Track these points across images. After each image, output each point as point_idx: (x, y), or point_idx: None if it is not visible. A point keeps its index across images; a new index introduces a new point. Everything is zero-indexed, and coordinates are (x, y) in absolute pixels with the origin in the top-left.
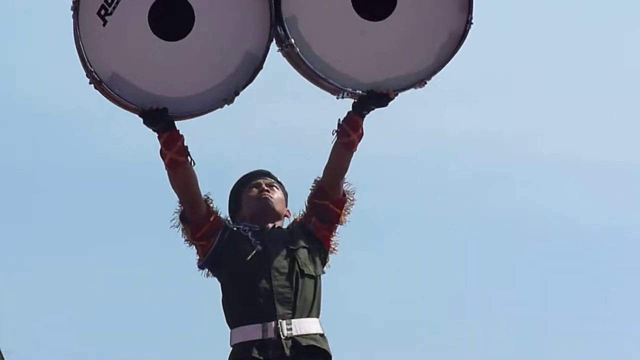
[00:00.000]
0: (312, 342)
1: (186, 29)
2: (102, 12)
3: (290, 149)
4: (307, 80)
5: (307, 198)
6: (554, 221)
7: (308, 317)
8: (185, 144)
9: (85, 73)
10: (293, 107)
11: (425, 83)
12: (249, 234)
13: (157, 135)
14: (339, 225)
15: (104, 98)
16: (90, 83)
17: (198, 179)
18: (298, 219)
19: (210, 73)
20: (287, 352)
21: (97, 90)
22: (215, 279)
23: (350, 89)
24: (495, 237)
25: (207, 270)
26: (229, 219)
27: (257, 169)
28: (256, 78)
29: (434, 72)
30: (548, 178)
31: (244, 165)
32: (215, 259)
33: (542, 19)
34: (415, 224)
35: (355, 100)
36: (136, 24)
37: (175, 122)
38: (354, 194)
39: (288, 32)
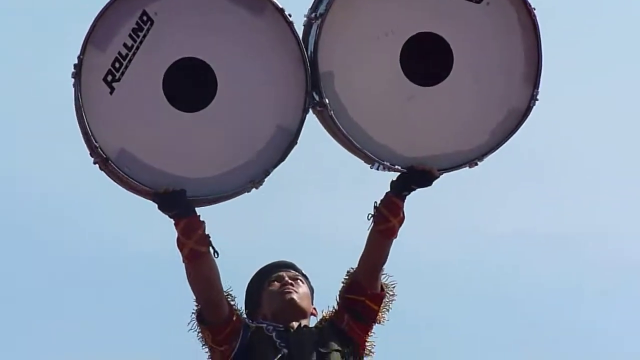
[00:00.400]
0: None
1: (207, 97)
2: (109, 78)
3: (318, 242)
4: (341, 146)
5: (338, 292)
6: None
7: None
8: (207, 233)
9: (88, 151)
10: (325, 193)
11: (476, 164)
12: (274, 334)
13: (173, 222)
14: (376, 325)
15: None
16: (94, 163)
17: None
18: (327, 317)
19: (236, 150)
20: None
21: (103, 172)
22: None
23: (388, 163)
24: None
25: None
26: (245, 316)
27: (278, 260)
28: (289, 155)
29: (487, 153)
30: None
31: (262, 258)
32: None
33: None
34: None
35: (394, 179)
36: (149, 91)
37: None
38: (394, 287)
39: (323, 90)
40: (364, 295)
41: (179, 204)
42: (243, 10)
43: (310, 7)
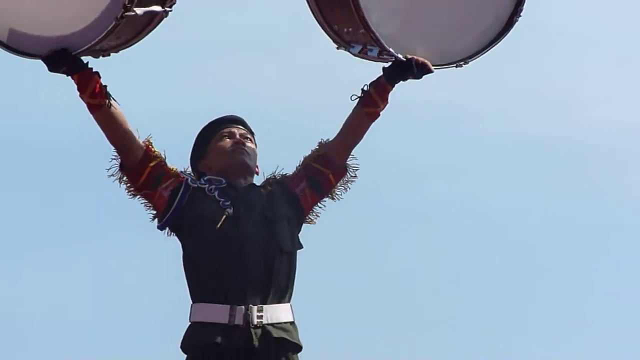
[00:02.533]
0: (284, 335)
1: None
2: None
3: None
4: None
5: (304, 159)
6: None
7: (280, 302)
8: (102, 84)
9: None
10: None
11: (461, 66)
12: (216, 193)
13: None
14: (328, 199)
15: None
16: None
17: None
18: (279, 178)
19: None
20: (256, 342)
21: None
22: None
23: (392, 50)
24: None
25: (168, 230)
26: (189, 172)
27: (228, 114)
28: None
29: (473, 56)
30: None
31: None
32: (178, 222)
33: None
34: None
35: (387, 67)
36: None
37: (88, 60)
38: (356, 170)
39: None
40: (330, 168)
41: (65, 61)
42: None
43: None
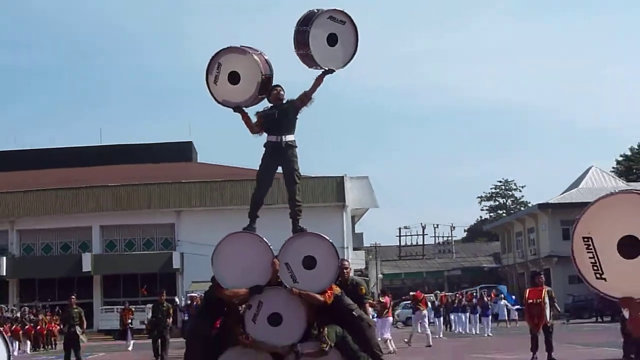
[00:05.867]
0: (291, 143)
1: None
2: (215, 80)
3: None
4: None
5: (299, 95)
6: None
7: (291, 134)
8: (247, 114)
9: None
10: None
11: (343, 67)
12: (268, 110)
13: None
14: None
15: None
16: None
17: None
18: (290, 100)
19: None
20: (283, 144)
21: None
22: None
23: (327, 69)
24: None
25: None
26: (263, 108)
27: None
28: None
29: (346, 64)
30: None
31: None
32: (263, 123)
33: None
34: None
35: (324, 71)
36: (225, 83)
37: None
38: (313, 102)
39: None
40: (305, 100)
41: (239, 110)
42: None
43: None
